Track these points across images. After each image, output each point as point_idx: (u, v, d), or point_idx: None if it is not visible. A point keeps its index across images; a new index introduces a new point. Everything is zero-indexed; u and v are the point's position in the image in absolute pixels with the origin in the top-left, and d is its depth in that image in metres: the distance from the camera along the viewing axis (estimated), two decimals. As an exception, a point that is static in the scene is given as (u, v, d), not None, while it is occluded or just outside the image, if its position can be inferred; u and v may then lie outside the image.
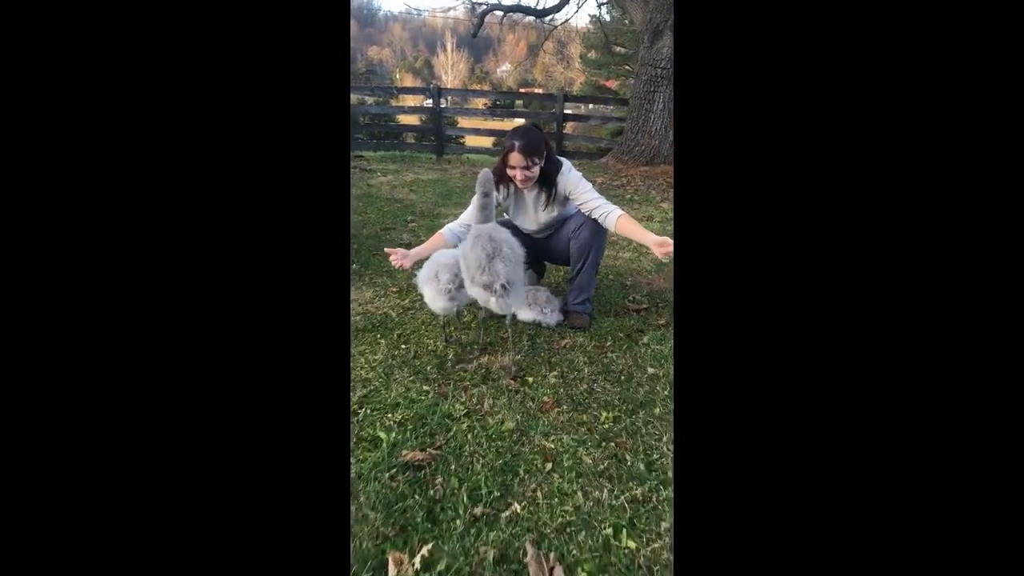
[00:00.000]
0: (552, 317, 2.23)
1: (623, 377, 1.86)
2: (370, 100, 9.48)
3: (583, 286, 2.29)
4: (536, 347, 2.08)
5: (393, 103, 8.99)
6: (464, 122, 9.14)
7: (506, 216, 2.43)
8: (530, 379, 1.83)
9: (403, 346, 2.07)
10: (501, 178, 2.22)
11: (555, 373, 1.87)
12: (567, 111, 7.71)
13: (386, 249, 2.04)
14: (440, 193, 5.23)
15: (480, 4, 9.57)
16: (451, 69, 41.06)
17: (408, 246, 3.64)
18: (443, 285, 1.91)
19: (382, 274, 2.89)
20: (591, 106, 14.85)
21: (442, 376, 1.85)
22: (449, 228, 2.18)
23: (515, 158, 2.10)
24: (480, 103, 10.15)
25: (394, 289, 2.67)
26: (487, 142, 8.85)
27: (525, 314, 2.23)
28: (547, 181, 2.22)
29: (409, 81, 33.84)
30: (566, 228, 2.31)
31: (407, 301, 2.52)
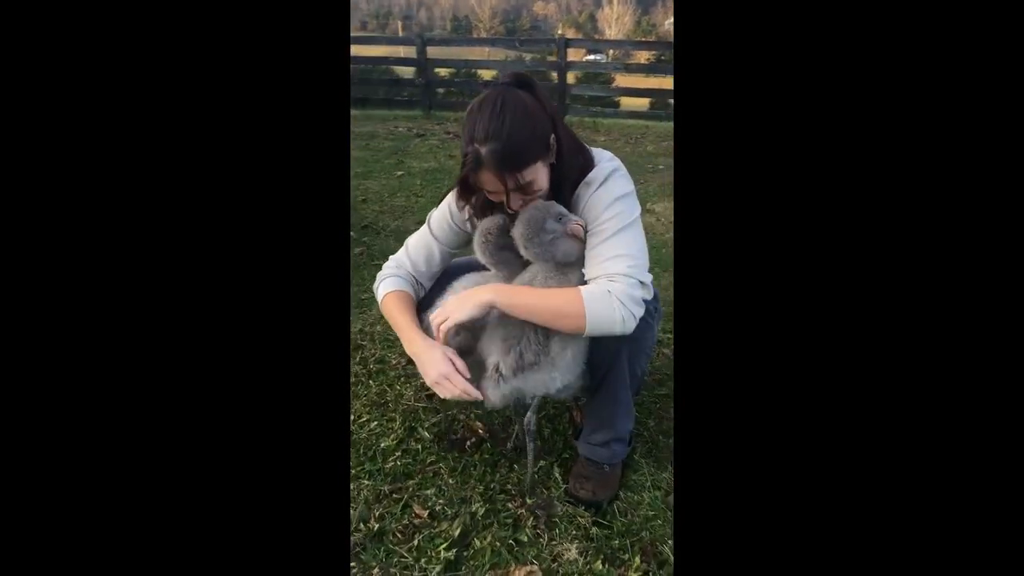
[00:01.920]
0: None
1: None
2: (528, 57, 9.17)
3: (604, 418, 1.21)
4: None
5: (551, 59, 8.26)
6: (622, 80, 8.43)
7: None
8: None
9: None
10: (475, 206, 1.17)
11: None
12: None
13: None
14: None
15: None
16: (615, 23, 39.20)
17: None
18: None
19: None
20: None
21: None
22: (404, 278, 1.24)
23: (488, 180, 1.02)
24: (642, 57, 9.19)
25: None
26: (643, 103, 7.71)
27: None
28: (558, 193, 1.10)
29: (572, 35, 32.92)
30: None
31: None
